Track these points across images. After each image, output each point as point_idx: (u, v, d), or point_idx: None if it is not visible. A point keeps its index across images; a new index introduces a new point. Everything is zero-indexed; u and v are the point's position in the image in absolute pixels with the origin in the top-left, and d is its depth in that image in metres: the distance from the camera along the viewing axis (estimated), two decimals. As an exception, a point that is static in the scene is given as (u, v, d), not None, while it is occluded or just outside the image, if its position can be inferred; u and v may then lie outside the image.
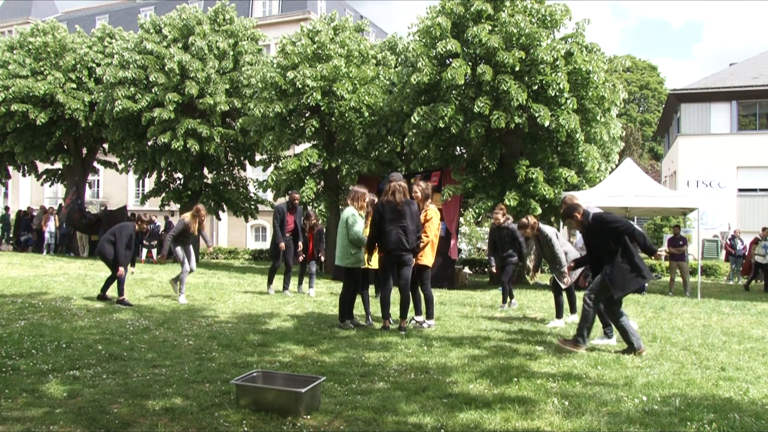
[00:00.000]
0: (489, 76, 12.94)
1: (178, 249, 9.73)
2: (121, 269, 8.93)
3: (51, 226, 20.79)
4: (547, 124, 12.98)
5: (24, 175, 24.24)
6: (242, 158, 20.82)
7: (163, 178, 20.52)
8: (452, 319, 8.38)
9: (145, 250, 19.27)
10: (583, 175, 15.09)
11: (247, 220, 22.60)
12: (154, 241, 19.60)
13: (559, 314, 8.24)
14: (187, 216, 9.86)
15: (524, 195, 13.67)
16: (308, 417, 3.93)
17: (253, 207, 21.09)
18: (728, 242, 19.36)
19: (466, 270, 16.07)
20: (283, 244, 10.67)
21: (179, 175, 20.75)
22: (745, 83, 25.85)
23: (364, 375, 5.08)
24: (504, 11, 13.53)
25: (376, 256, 7.53)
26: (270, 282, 11.06)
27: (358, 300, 8.03)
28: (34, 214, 22.57)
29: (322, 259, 14.95)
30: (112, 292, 9.34)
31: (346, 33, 16.59)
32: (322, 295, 11.00)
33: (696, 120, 26.44)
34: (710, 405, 4.37)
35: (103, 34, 21.10)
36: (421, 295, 7.61)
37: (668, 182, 29.84)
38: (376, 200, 7.68)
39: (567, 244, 8.53)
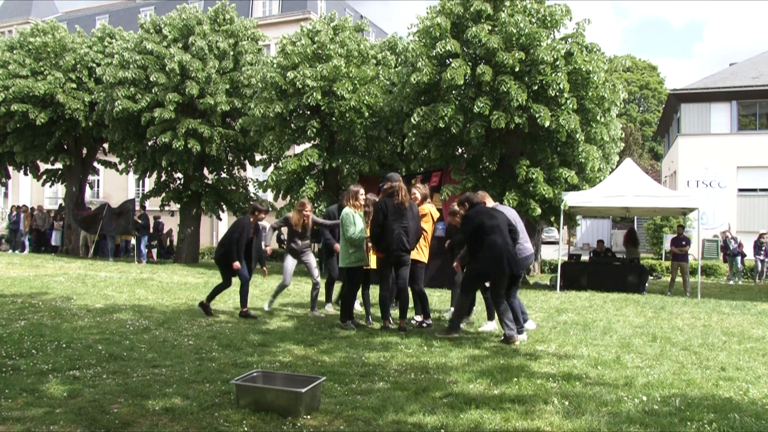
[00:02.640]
0: (489, 77, 12.93)
1: (289, 258, 8.68)
2: (236, 263, 8.05)
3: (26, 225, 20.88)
4: (547, 124, 12.97)
5: (24, 175, 24.24)
6: (242, 158, 20.80)
7: (163, 178, 20.50)
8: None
9: (145, 250, 19.25)
10: (583, 175, 15.09)
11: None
12: (154, 242, 19.57)
13: (490, 315, 7.73)
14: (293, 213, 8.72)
15: (524, 195, 13.66)
16: (308, 417, 3.93)
17: (253, 207, 21.06)
18: (722, 244, 19.56)
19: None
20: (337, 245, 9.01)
21: (179, 175, 20.74)
22: (745, 83, 25.82)
23: (364, 375, 5.08)
24: (504, 11, 13.51)
25: (375, 257, 7.51)
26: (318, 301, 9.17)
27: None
28: (35, 214, 22.61)
29: None
30: (219, 304, 8.75)
31: (346, 33, 16.57)
32: (321, 296, 10.96)
33: (696, 120, 26.42)
34: (710, 405, 4.37)
35: (103, 34, 21.06)
36: (412, 292, 7.54)
37: (668, 182, 29.83)
38: (377, 199, 7.65)
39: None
